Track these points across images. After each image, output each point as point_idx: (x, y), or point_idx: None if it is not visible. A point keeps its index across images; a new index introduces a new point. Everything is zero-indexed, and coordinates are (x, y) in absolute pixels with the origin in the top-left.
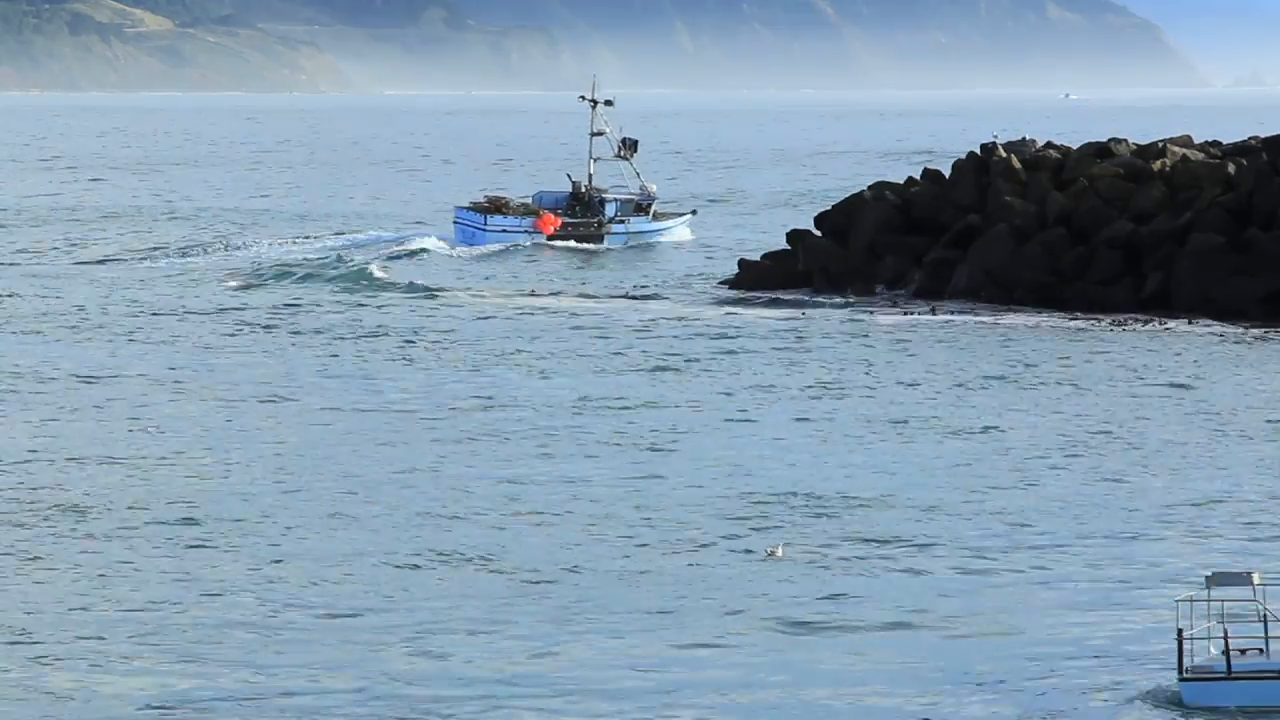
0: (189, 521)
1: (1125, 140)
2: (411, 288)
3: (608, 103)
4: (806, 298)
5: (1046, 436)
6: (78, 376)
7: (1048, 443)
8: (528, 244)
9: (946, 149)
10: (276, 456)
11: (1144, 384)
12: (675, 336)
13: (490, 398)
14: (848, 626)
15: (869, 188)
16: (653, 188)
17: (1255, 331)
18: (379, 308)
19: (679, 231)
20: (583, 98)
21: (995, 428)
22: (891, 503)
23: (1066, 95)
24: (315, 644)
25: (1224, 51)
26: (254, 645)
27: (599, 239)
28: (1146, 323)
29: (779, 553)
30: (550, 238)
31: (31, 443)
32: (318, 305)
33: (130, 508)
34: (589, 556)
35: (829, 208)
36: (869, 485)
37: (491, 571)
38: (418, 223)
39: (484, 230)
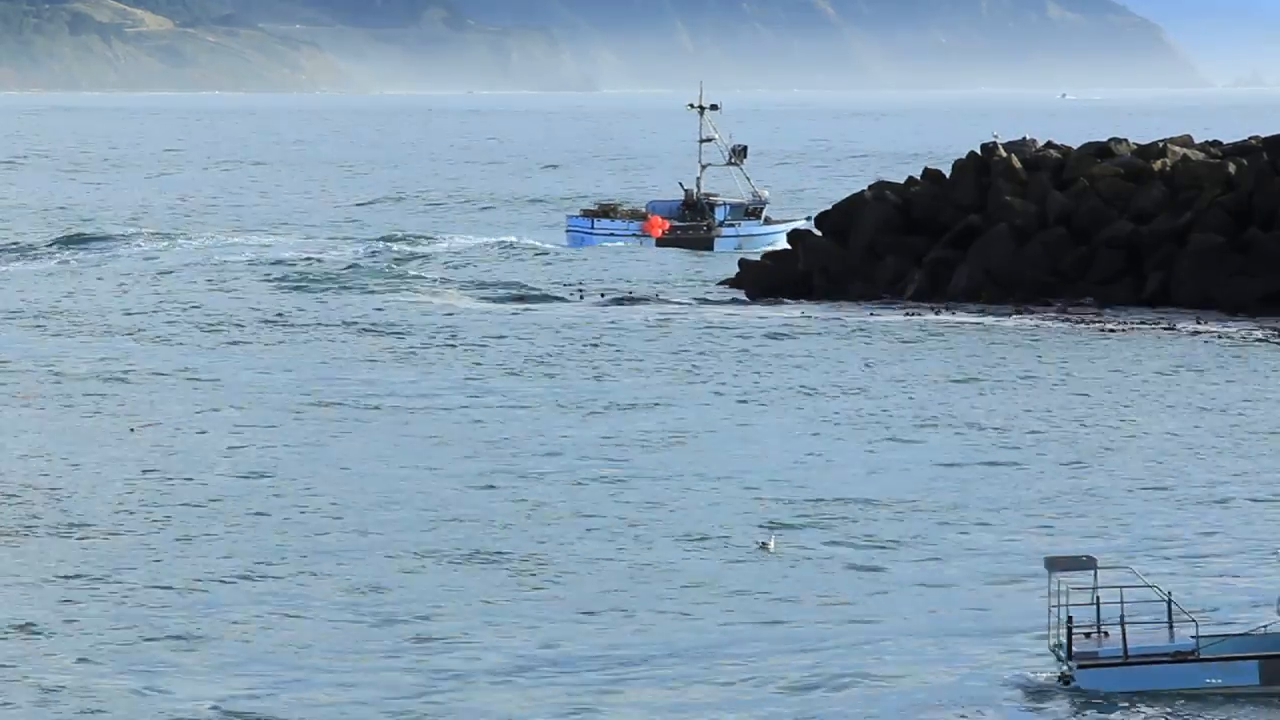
0: (192, 520)
1: (1125, 140)
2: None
3: (713, 107)
4: (806, 298)
5: (1045, 436)
6: (112, 376)
7: (1047, 442)
8: (635, 246)
9: (945, 152)
10: (298, 457)
11: (1144, 384)
12: (675, 336)
13: (487, 397)
14: (824, 619)
15: (869, 187)
16: (764, 192)
17: (1255, 331)
18: (399, 307)
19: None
20: (691, 105)
21: (995, 427)
22: (889, 501)
23: (1063, 95)
24: (318, 641)
25: (1224, 51)
26: (253, 644)
27: (709, 243)
28: (1147, 323)
29: (771, 546)
30: (659, 242)
31: (32, 442)
32: (369, 303)
33: (134, 506)
34: (589, 554)
35: (829, 207)
36: (867, 484)
37: (491, 568)
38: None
39: (591, 234)
